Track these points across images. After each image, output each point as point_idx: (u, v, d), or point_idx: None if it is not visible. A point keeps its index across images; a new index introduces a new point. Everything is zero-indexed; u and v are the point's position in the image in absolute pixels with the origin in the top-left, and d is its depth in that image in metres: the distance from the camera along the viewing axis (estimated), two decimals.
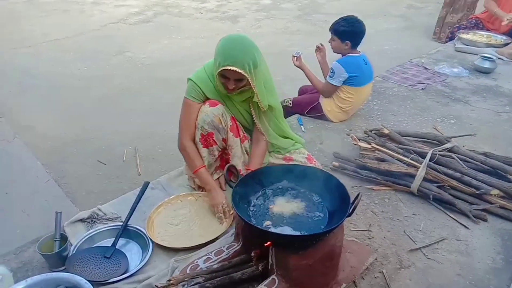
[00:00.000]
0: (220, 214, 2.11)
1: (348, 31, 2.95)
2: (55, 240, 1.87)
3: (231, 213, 2.11)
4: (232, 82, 2.01)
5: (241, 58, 1.93)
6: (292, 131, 2.53)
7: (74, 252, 1.89)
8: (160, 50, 5.48)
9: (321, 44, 3.25)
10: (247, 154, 2.34)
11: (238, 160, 2.27)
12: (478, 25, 5.04)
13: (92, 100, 4.10)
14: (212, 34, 5.92)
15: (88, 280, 1.60)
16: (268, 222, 1.69)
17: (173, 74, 4.63)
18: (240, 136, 2.26)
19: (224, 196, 2.18)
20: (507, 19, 4.57)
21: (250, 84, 2.02)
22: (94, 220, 2.14)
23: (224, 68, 1.92)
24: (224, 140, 2.23)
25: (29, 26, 6.46)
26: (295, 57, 3.18)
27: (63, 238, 1.90)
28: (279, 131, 2.36)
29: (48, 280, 1.59)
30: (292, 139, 2.45)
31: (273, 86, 2.22)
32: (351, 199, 1.65)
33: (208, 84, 2.15)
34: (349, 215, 1.59)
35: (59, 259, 1.84)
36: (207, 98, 2.18)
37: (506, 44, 4.64)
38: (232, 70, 1.92)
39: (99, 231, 2.05)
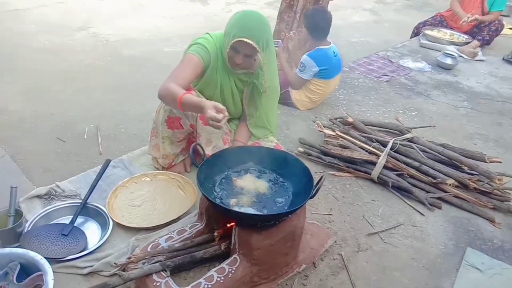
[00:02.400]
0: (215, 123, 1.76)
1: (310, 21, 2.99)
2: (9, 216, 1.80)
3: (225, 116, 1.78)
4: (240, 57, 1.97)
5: (257, 33, 1.91)
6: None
7: (29, 229, 1.83)
8: (126, 28, 5.30)
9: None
10: (222, 140, 2.26)
11: (207, 146, 2.22)
12: (442, 22, 5.20)
13: (53, 75, 3.92)
14: (181, 15, 5.79)
15: (44, 257, 1.54)
16: (233, 201, 1.69)
17: (138, 53, 4.50)
18: None
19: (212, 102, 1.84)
20: (464, 20, 4.76)
21: (258, 61, 2.01)
22: (51, 196, 2.07)
23: (239, 39, 1.88)
24: (192, 126, 2.19)
25: None
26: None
27: (18, 214, 1.82)
28: (262, 121, 2.31)
29: (0, 255, 1.52)
30: (268, 130, 2.38)
31: (277, 69, 2.20)
32: (315, 182, 1.68)
33: (215, 53, 2.07)
34: (312, 197, 1.61)
35: (13, 235, 1.76)
36: (207, 66, 2.09)
37: (467, 43, 4.83)
38: (247, 42, 1.88)
39: (56, 207, 1.99)
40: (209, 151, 2.16)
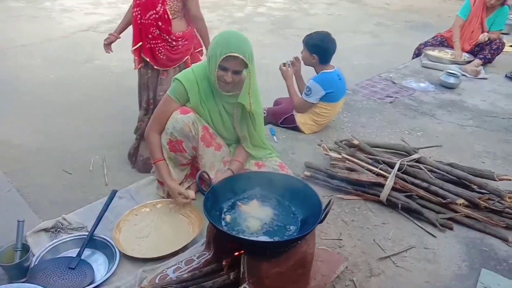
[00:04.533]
0: (184, 200, 2.16)
1: (316, 45, 3.01)
2: (16, 250, 1.78)
3: (190, 197, 2.17)
4: (229, 75, 2.02)
5: (242, 46, 1.98)
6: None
7: (36, 263, 1.81)
8: (130, 59, 5.34)
9: (295, 58, 3.27)
10: (223, 163, 2.30)
11: (210, 170, 2.23)
12: (443, 43, 5.24)
13: (58, 107, 3.98)
14: None
15: None
16: (241, 229, 1.67)
17: None
18: (212, 145, 2.24)
19: (177, 185, 2.22)
20: (481, 39, 4.86)
21: (243, 79, 2.08)
22: (58, 229, 2.06)
23: (227, 55, 1.94)
24: (195, 148, 2.20)
25: None
26: (287, 65, 3.19)
27: (25, 248, 1.81)
28: (257, 141, 2.33)
29: None
30: (269, 150, 2.43)
31: (259, 91, 2.24)
32: (323, 206, 1.65)
33: (194, 86, 2.14)
34: (321, 222, 1.59)
35: (20, 270, 1.74)
36: (188, 101, 2.17)
37: (469, 62, 4.85)
38: (234, 56, 1.94)
39: (63, 241, 1.97)
40: (212, 175, 2.16)
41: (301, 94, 3.21)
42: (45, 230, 2.05)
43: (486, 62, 4.93)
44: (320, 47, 3.01)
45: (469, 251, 2.15)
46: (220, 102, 2.20)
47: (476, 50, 4.98)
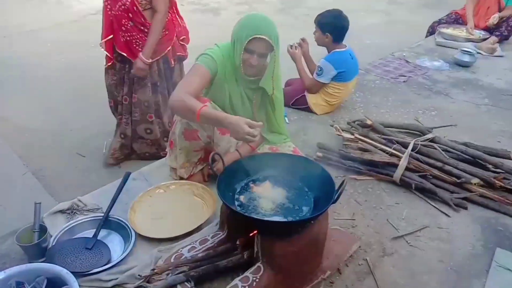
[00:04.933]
0: (251, 138, 1.79)
1: (329, 23, 2.96)
2: (34, 231, 1.81)
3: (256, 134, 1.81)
4: (255, 58, 1.99)
5: (269, 28, 1.96)
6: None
7: (54, 244, 1.84)
8: None
9: (302, 40, 3.23)
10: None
11: (224, 155, 2.23)
12: (457, 20, 5.12)
13: (70, 91, 4.01)
14: (193, 26, 5.81)
15: (70, 271, 1.55)
16: (254, 209, 1.68)
17: None
18: (228, 132, 2.22)
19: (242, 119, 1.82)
20: (489, 23, 4.72)
21: (266, 65, 2.03)
22: (74, 211, 2.09)
23: (255, 36, 1.91)
24: (209, 137, 2.19)
25: (3, 16, 6.26)
26: (294, 47, 3.15)
27: (43, 229, 1.84)
28: (274, 127, 2.32)
29: (27, 271, 1.53)
30: (284, 135, 2.39)
31: (281, 77, 2.21)
32: (336, 187, 1.65)
33: (222, 63, 2.08)
34: (334, 202, 1.59)
35: (38, 250, 1.78)
36: (215, 76, 2.09)
37: (484, 39, 4.74)
38: (261, 38, 1.92)
39: (79, 222, 2.00)
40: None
41: (312, 75, 3.18)
42: (61, 211, 2.08)
43: (503, 39, 4.81)
44: (333, 26, 2.96)
45: (483, 230, 2.14)
46: (241, 85, 2.17)
47: (492, 27, 4.85)
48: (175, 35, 2.85)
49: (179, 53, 2.92)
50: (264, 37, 1.92)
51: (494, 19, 4.72)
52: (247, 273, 1.60)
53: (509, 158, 2.40)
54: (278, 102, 2.24)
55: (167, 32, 2.79)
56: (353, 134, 2.68)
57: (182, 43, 2.94)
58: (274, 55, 2.04)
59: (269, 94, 2.15)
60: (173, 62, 2.89)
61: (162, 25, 2.72)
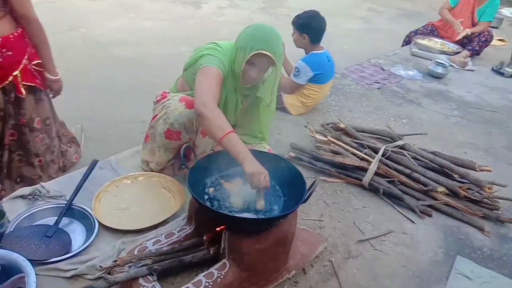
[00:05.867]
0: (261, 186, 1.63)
1: (306, 24, 2.97)
2: None
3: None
4: (256, 71, 1.94)
5: (275, 45, 1.90)
6: None
7: (12, 229, 1.76)
8: (117, 29, 5.24)
9: None
10: (215, 148, 2.23)
11: (199, 155, 2.20)
12: (433, 32, 5.25)
13: None
14: (173, 17, 5.75)
15: (27, 259, 1.49)
16: (223, 204, 1.66)
17: (129, 54, 4.45)
18: None
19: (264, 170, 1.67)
20: (459, 33, 4.84)
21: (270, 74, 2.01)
22: (36, 197, 2.01)
23: (259, 51, 1.85)
24: (190, 138, 2.15)
25: None
26: None
27: (1, 214, 1.75)
28: (255, 132, 2.31)
29: None
30: (261, 140, 2.36)
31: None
32: (307, 187, 1.65)
33: (228, 66, 2.00)
34: (305, 201, 1.59)
35: None
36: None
37: (457, 53, 4.87)
38: (266, 55, 1.86)
39: (41, 208, 1.92)
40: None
41: (289, 75, 3.18)
42: (22, 197, 1.99)
43: (474, 53, 4.97)
44: (310, 26, 2.96)
45: (446, 238, 2.20)
46: (238, 92, 2.13)
47: (464, 42, 5.00)
48: (26, 57, 2.03)
49: (30, 83, 2.07)
50: (269, 54, 1.87)
51: (465, 32, 4.85)
52: (212, 269, 1.58)
53: (474, 169, 2.47)
54: (271, 113, 2.24)
55: (10, 53, 1.96)
56: (326, 136, 2.70)
57: (36, 68, 2.11)
58: (276, 70, 2.01)
59: (265, 105, 2.13)
60: (23, 92, 2.04)
61: (45, 34, 2.14)
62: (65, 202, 1.95)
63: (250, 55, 1.87)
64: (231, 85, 2.09)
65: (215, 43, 2.02)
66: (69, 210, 1.92)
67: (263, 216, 1.63)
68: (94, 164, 2.18)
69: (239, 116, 2.25)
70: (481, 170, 2.47)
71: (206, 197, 1.70)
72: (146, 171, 2.30)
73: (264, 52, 1.86)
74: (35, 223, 1.87)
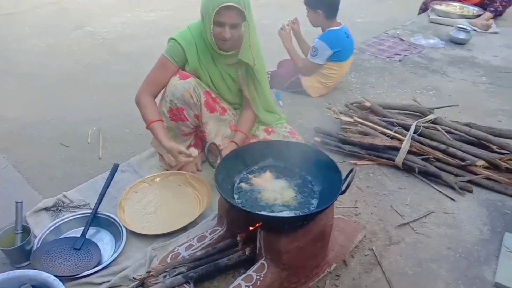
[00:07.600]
0: (187, 159, 1.87)
1: (321, 1, 2.81)
2: (17, 233, 1.68)
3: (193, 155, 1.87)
4: (227, 30, 1.85)
5: None
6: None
7: (39, 245, 1.71)
8: (122, 24, 5.15)
9: (292, 21, 3.07)
10: (229, 128, 2.17)
11: (216, 136, 2.11)
12: None
13: (51, 77, 3.79)
14: (178, 7, 5.62)
15: (57, 276, 1.43)
16: (256, 202, 1.56)
17: (137, 49, 4.36)
18: (217, 110, 2.09)
19: (176, 144, 1.93)
20: None
21: (242, 36, 1.92)
22: (59, 208, 1.95)
23: (220, 6, 1.77)
24: (197, 117, 2.06)
25: None
26: (286, 26, 3.00)
27: (26, 230, 1.71)
28: (266, 104, 2.22)
29: (9, 279, 1.40)
30: (277, 114, 2.32)
31: (259, 45, 2.07)
32: (343, 176, 1.54)
33: (192, 46, 1.99)
34: (343, 193, 1.48)
35: (22, 253, 1.65)
36: (186, 62, 2.01)
37: (478, 15, 4.64)
38: (230, 6, 1.77)
39: (66, 220, 1.86)
40: (219, 141, 2.07)
41: (306, 56, 3.04)
42: (46, 209, 1.94)
43: (497, 14, 4.71)
44: (321, 1, 2.81)
45: (490, 214, 2.07)
46: (219, 64, 2.05)
47: (485, 3, 4.74)
48: None
49: None
50: (232, 4, 1.77)
51: None
52: (250, 272, 1.50)
53: None
54: (262, 73, 2.12)
55: None
56: (352, 117, 2.57)
57: None
58: (247, 24, 1.89)
59: (252, 67, 2.01)
60: None
61: None
62: (90, 210, 1.89)
63: (214, 13, 1.79)
64: (207, 61, 2.03)
65: (188, 26, 2.02)
66: (95, 219, 1.86)
67: (300, 213, 1.53)
68: (115, 168, 2.11)
69: (246, 90, 2.12)
70: None
71: (236, 196, 1.60)
72: (165, 169, 2.22)
73: (227, 3, 1.77)
74: (62, 236, 1.81)
